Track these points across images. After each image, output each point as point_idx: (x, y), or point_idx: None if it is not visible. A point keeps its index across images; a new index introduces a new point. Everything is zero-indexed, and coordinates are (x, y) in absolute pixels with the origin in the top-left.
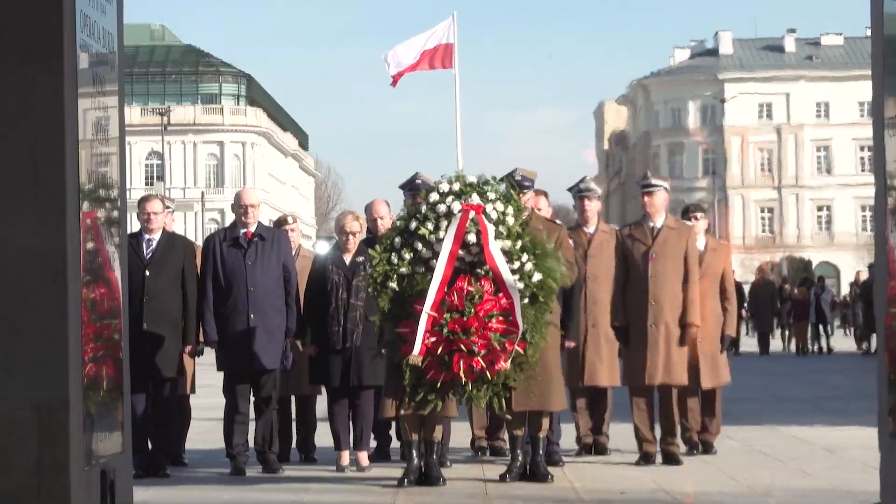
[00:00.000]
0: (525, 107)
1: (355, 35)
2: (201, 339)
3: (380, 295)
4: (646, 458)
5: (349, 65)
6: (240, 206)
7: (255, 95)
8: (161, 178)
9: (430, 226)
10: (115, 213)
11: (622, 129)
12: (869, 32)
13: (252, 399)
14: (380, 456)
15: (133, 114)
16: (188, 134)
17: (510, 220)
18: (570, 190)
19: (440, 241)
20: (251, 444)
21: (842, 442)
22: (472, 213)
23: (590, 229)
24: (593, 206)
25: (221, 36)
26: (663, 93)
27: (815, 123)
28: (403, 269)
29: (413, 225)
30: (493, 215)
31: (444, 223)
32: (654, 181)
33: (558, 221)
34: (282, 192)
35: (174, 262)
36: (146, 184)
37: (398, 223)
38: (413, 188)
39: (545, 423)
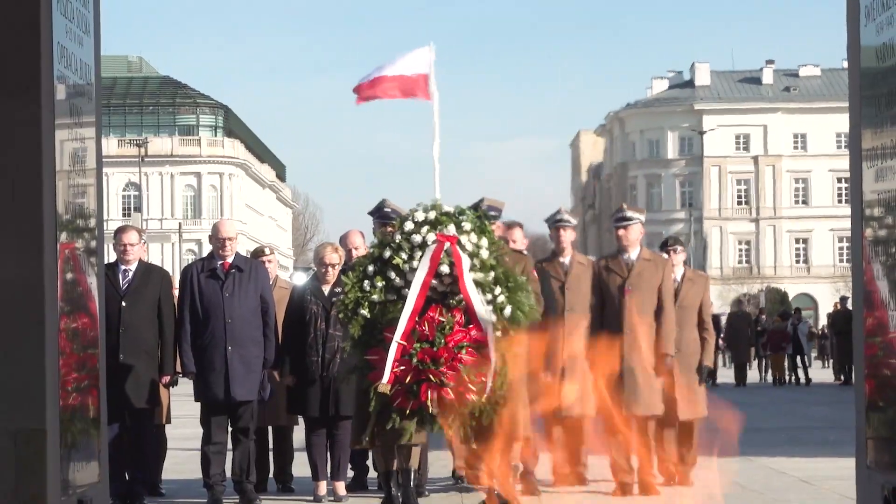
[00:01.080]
0: (502, 137)
1: (332, 67)
2: (178, 369)
3: (350, 322)
4: (623, 489)
5: (326, 96)
6: (217, 239)
7: (233, 126)
8: (138, 208)
9: (403, 255)
10: (93, 244)
11: (599, 161)
12: (846, 64)
13: (230, 429)
14: (357, 486)
15: (110, 145)
16: (165, 165)
17: (484, 253)
18: (546, 221)
19: (413, 270)
20: (228, 474)
21: (818, 473)
22: (446, 245)
23: (565, 259)
24: (568, 237)
25: (199, 67)
26: (640, 124)
27: (792, 155)
28: (375, 297)
29: (387, 253)
30: (469, 247)
31: (417, 253)
32: (629, 214)
33: (525, 252)
34: (259, 223)
35: (150, 293)
36: (123, 214)
37: (372, 251)
38: (382, 215)
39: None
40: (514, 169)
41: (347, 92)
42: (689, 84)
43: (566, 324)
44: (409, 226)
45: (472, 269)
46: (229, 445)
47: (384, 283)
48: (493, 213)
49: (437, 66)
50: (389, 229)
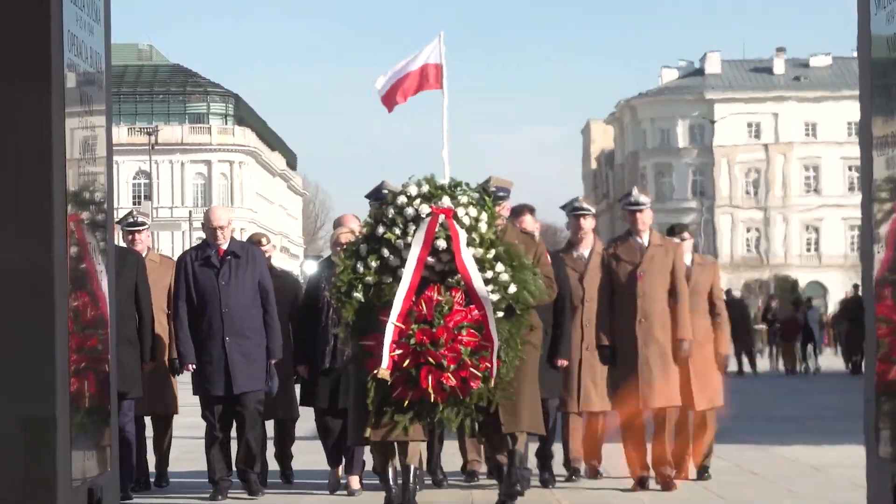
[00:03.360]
0: (512, 126)
1: (343, 55)
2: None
3: (344, 306)
4: (641, 483)
5: (337, 85)
6: (209, 228)
7: (243, 115)
8: (148, 197)
9: (397, 231)
10: (104, 233)
11: (610, 149)
12: (856, 53)
13: (235, 419)
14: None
15: (120, 133)
16: (176, 153)
17: (483, 227)
18: (563, 208)
19: (408, 247)
20: (233, 466)
21: (830, 460)
22: (441, 217)
23: (585, 249)
24: (588, 225)
25: (209, 55)
26: (651, 112)
27: (803, 143)
28: (369, 278)
29: (380, 230)
30: (466, 220)
31: (412, 228)
32: (642, 199)
33: (537, 236)
34: (270, 212)
35: (126, 280)
36: (134, 203)
37: (364, 229)
38: (379, 197)
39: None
40: (524, 158)
41: (358, 79)
42: (700, 73)
43: (585, 314)
44: (401, 200)
45: (471, 243)
46: (233, 434)
47: (378, 262)
48: (501, 193)
49: (446, 55)
50: (383, 206)
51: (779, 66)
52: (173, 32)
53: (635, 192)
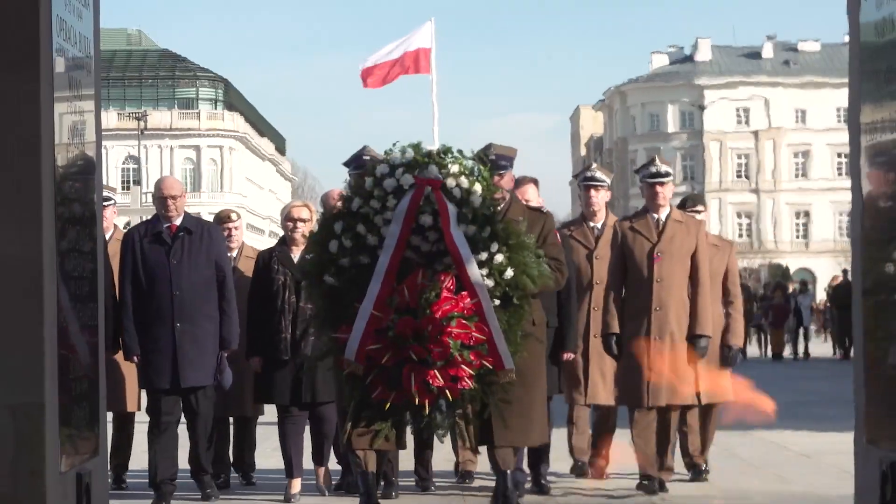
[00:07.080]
0: (501, 113)
1: (333, 41)
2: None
3: (313, 291)
4: (652, 482)
5: (326, 71)
6: (159, 198)
7: (233, 100)
8: (138, 182)
9: (375, 204)
10: (92, 217)
11: (599, 135)
12: (846, 39)
13: (185, 416)
14: (344, 484)
15: (110, 118)
16: (165, 138)
17: (476, 201)
18: (575, 177)
19: (388, 223)
20: (181, 467)
21: (818, 447)
22: (427, 189)
23: (597, 224)
24: (601, 198)
25: (198, 40)
26: (641, 98)
27: (792, 129)
28: (343, 260)
29: (356, 204)
30: (456, 193)
31: (392, 201)
32: (665, 169)
33: (545, 209)
34: (259, 197)
35: None
36: (123, 188)
37: (339, 204)
38: (360, 165)
39: (514, 457)
40: (514, 144)
41: (348, 66)
42: (690, 59)
43: (594, 298)
44: (382, 169)
45: (463, 220)
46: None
47: (354, 241)
48: (503, 162)
49: (435, 42)
50: (363, 175)
51: (768, 52)
52: (162, 17)
53: (658, 161)
